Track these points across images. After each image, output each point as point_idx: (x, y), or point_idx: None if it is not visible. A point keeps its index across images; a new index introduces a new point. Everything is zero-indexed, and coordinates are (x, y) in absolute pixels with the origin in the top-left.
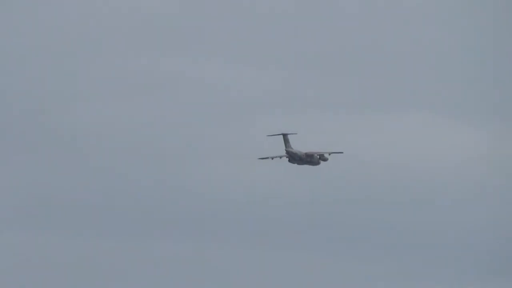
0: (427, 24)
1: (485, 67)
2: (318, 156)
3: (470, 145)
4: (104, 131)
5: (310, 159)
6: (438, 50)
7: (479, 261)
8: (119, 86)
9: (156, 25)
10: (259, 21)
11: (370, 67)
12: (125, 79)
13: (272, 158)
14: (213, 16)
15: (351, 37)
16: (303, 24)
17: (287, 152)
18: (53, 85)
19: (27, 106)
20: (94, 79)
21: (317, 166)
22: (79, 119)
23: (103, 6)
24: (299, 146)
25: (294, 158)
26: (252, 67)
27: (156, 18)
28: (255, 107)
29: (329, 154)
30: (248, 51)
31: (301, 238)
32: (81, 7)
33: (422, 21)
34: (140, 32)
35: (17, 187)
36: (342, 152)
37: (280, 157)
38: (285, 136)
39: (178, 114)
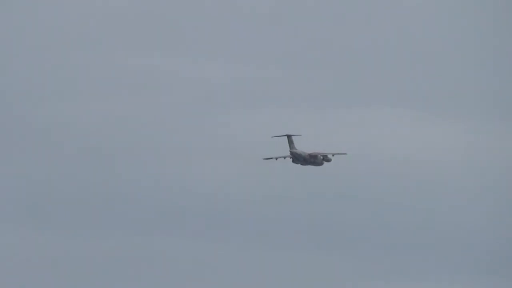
0: (424, 23)
1: (479, 64)
2: (321, 157)
3: (469, 144)
4: (109, 130)
5: (313, 160)
6: (434, 49)
7: (478, 260)
8: (119, 85)
9: (150, 24)
10: (253, 20)
11: (364, 65)
12: (126, 79)
13: (276, 159)
14: (210, 15)
15: (346, 36)
16: (297, 22)
17: (292, 153)
18: (45, 84)
19: (19, 104)
20: (90, 77)
21: (321, 166)
22: (74, 117)
23: (93, 4)
24: (296, 145)
25: (298, 158)
26: (247, 66)
27: (150, 18)
28: (255, 106)
29: (333, 155)
30: (243, 50)
31: (303, 238)
32: (68, 5)
33: (421, 21)
34: (135, 31)
35: (5, 185)
36: (345, 153)
37: (284, 157)
38: (289, 137)
39: (178, 114)
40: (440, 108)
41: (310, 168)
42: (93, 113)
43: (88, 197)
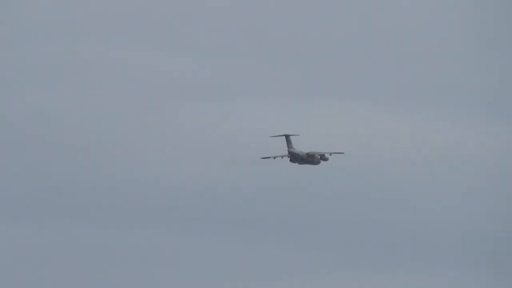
0: (393, 15)
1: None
2: (319, 156)
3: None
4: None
5: (311, 159)
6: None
7: (474, 258)
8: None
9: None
10: (222, 15)
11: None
12: (109, 73)
13: (274, 158)
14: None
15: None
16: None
17: (290, 152)
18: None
19: None
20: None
21: (318, 165)
22: (40, 110)
23: None
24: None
25: (296, 158)
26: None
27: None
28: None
29: (330, 154)
30: (199, 43)
31: (299, 235)
32: None
33: (390, 13)
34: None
35: None
36: (343, 153)
37: (282, 156)
38: (287, 137)
39: (175, 113)
40: (436, 108)
41: (307, 166)
42: (87, 105)
43: (81, 194)
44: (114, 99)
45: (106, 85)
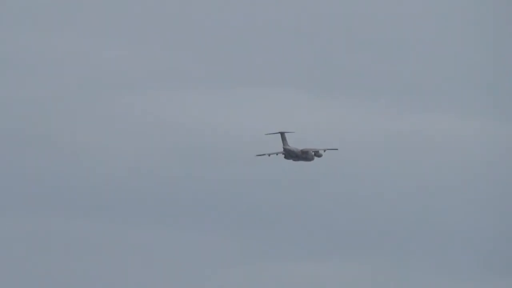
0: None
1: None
2: (313, 153)
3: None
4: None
5: (305, 156)
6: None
7: (473, 259)
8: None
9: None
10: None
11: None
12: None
13: (269, 155)
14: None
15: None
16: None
17: (285, 149)
18: None
19: None
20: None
21: (311, 161)
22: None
23: None
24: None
25: (291, 155)
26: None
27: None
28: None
29: (324, 151)
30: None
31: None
32: None
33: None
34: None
35: None
36: (337, 149)
37: (277, 153)
38: (282, 134)
39: (176, 112)
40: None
41: (301, 163)
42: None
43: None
44: (108, 96)
45: (100, 82)
